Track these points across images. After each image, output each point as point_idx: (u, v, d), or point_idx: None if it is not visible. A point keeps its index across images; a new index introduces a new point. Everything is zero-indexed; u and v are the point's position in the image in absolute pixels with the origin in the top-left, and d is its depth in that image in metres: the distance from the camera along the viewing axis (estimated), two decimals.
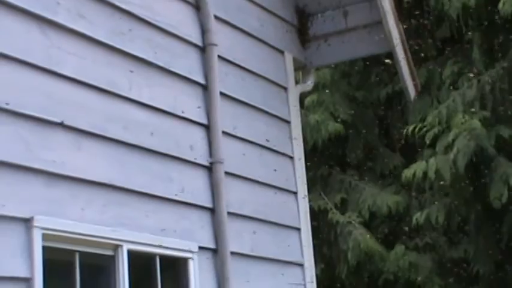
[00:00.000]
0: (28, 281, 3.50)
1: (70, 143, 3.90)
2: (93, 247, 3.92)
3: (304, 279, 5.65)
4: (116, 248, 4.04)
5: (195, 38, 5.02)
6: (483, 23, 11.12)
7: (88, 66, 4.10)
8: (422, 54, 11.99)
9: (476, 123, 9.94)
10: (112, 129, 4.17)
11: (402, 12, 9.98)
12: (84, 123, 4.00)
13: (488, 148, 9.97)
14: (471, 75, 10.78)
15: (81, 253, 3.83)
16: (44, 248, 3.58)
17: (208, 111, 4.97)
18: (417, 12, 12.22)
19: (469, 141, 9.85)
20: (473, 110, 10.13)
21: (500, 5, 10.01)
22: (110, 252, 4.02)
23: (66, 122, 3.88)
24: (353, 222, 10.87)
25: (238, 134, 5.26)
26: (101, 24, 4.25)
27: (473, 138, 9.87)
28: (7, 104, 3.58)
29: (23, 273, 3.49)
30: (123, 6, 4.42)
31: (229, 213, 4.89)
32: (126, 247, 4.06)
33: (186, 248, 4.53)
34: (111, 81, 4.24)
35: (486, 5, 10.85)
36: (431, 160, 10.27)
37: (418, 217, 10.50)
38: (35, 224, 3.57)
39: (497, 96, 10.39)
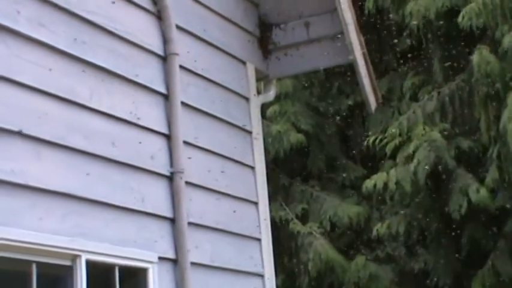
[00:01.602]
0: None
1: (29, 152, 3.86)
2: (50, 257, 3.88)
3: None
4: (75, 258, 4.00)
5: (157, 47, 5.01)
6: (443, 36, 11.24)
7: (48, 75, 4.07)
8: (384, 66, 12.08)
9: (436, 134, 10.05)
10: (72, 139, 4.14)
11: (363, 24, 10.06)
12: (43, 132, 3.96)
13: (448, 160, 10.07)
14: (431, 88, 10.89)
15: (38, 263, 3.78)
16: (0, 259, 3.54)
17: (170, 121, 4.95)
18: (378, 24, 12.32)
19: (429, 153, 9.96)
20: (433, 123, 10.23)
21: (460, 18, 10.13)
22: (68, 263, 3.98)
23: (25, 131, 3.84)
24: (314, 233, 10.89)
25: (199, 144, 5.25)
26: (61, 33, 4.22)
27: (434, 150, 9.98)
28: None
29: None
30: (85, 15, 4.40)
31: (189, 223, 4.88)
32: (84, 257, 4.02)
33: (146, 259, 4.50)
34: (71, 90, 4.21)
35: (446, 18, 10.97)
36: (392, 171, 10.35)
37: (379, 228, 10.57)
38: None
39: (457, 108, 10.51)
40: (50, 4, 4.17)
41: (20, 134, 3.81)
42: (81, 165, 4.18)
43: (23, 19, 3.96)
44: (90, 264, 4.05)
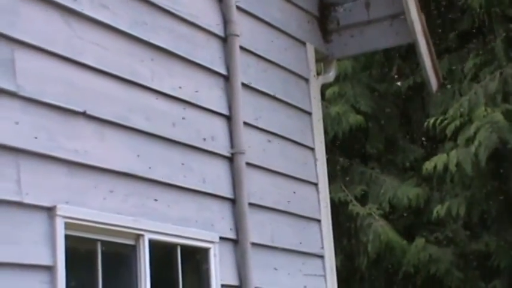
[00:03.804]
0: (51, 269, 3.52)
1: (92, 132, 3.92)
2: (115, 236, 3.94)
3: (324, 270, 5.65)
4: (138, 237, 4.05)
5: (217, 28, 5.02)
6: (506, 15, 11.04)
7: (110, 56, 4.12)
8: (444, 47, 11.92)
9: (498, 116, 9.87)
10: (134, 119, 4.19)
11: (424, 3, 9.93)
12: (106, 112, 4.01)
13: (510, 141, 9.91)
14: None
15: (103, 242, 3.84)
16: (67, 237, 3.61)
17: (230, 102, 4.97)
18: (439, 4, 12.15)
19: (491, 134, 9.79)
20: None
21: None
22: (131, 242, 4.04)
23: (89, 112, 3.89)
24: (373, 214, 10.84)
25: (259, 125, 5.26)
26: (123, 14, 4.26)
27: (495, 131, 9.81)
28: (28, 92, 3.60)
29: (46, 261, 3.52)
30: None
31: (250, 204, 4.90)
32: (147, 237, 4.08)
33: (207, 238, 4.54)
34: (133, 71, 4.25)
35: None
36: (453, 153, 10.22)
37: (439, 210, 10.46)
38: (58, 212, 3.59)
39: None
40: None
41: (84, 114, 3.86)
42: (142, 145, 4.22)
43: (85, 0, 4.01)
44: (153, 244, 4.10)
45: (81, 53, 3.93)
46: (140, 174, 4.15)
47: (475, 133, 9.90)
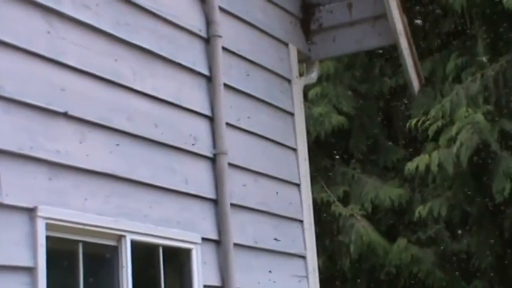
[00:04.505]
0: (32, 270, 3.51)
1: (74, 133, 3.90)
2: (96, 237, 3.93)
3: (306, 270, 5.66)
4: (119, 238, 4.04)
5: (200, 29, 5.02)
6: (487, 17, 11.09)
7: (92, 57, 4.10)
8: (427, 48, 11.96)
9: (479, 117, 9.92)
10: (116, 120, 4.17)
11: (406, 5, 9.96)
12: (88, 113, 4.00)
13: (492, 142, 9.96)
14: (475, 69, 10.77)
15: (85, 243, 3.83)
16: (48, 238, 3.59)
17: (212, 103, 4.96)
18: (421, 5, 12.19)
19: (472, 135, 9.84)
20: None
21: None
22: (113, 243, 4.03)
23: (70, 112, 3.88)
24: (355, 214, 10.86)
25: (241, 126, 5.26)
26: (105, 15, 4.25)
27: (477, 132, 9.86)
28: (9, 92, 3.58)
29: (26, 262, 3.50)
30: None
31: (232, 204, 4.90)
32: (129, 238, 4.06)
33: (189, 239, 4.53)
34: (115, 71, 4.24)
35: None
36: (434, 153, 10.26)
37: (421, 210, 10.49)
38: (39, 213, 3.57)
39: (501, 89, 10.38)
40: None
41: (65, 115, 3.85)
42: (124, 146, 4.21)
43: (66, 1, 3.99)
44: (134, 245, 4.09)
45: (62, 54, 3.91)
46: (122, 175, 4.14)
47: (457, 134, 9.95)
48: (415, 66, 6.28)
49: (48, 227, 3.61)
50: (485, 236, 10.58)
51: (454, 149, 9.94)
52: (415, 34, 10.47)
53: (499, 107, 10.42)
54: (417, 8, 12.14)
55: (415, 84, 6.33)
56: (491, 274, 10.73)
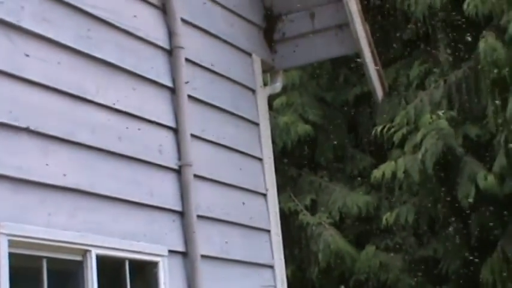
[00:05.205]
0: None
1: (36, 148, 3.87)
2: (61, 253, 3.89)
3: (274, 281, 5.65)
4: (85, 253, 4.00)
5: (162, 41, 5.01)
6: (449, 24, 11.20)
7: (54, 71, 4.07)
8: (390, 55, 12.04)
9: (443, 123, 10.01)
10: (79, 134, 4.15)
11: (368, 13, 10.03)
12: (50, 128, 3.96)
13: (456, 147, 10.05)
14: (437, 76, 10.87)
15: (49, 259, 3.79)
16: (11, 255, 3.55)
17: (176, 114, 4.95)
18: (383, 13, 12.28)
19: (437, 141, 9.93)
20: (441, 111, 10.20)
21: (465, 5, 10.09)
22: (78, 258, 3.99)
23: (32, 127, 3.84)
24: (323, 223, 10.89)
25: (206, 137, 5.25)
26: (66, 28, 4.22)
27: (441, 138, 9.95)
28: None
29: None
30: (89, 10, 4.39)
31: (198, 216, 4.88)
32: (94, 252, 4.03)
33: (156, 252, 4.50)
34: (77, 85, 4.21)
35: (451, 6, 10.93)
36: (400, 160, 10.33)
37: (388, 217, 10.55)
38: (1, 230, 3.53)
39: (463, 95, 10.48)
40: None
41: (27, 130, 3.81)
42: (88, 160, 4.18)
43: (27, 14, 3.96)
44: (100, 259, 4.06)
45: (24, 68, 3.88)
46: (86, 189, 4.11)
47: (422, 140, 10.03)
48: (378, 74, 6.32)
49: (11, 243, 3.57)
50: (452, 242, 10.65)
51: (419, 155, 10.01)
52: (378, 42, 10.55)
53: (463, 113, 10.52)
54: (379, 16, 12.21)
55: (379, 92, 6.36)
56: (459, 279, 10.79)
